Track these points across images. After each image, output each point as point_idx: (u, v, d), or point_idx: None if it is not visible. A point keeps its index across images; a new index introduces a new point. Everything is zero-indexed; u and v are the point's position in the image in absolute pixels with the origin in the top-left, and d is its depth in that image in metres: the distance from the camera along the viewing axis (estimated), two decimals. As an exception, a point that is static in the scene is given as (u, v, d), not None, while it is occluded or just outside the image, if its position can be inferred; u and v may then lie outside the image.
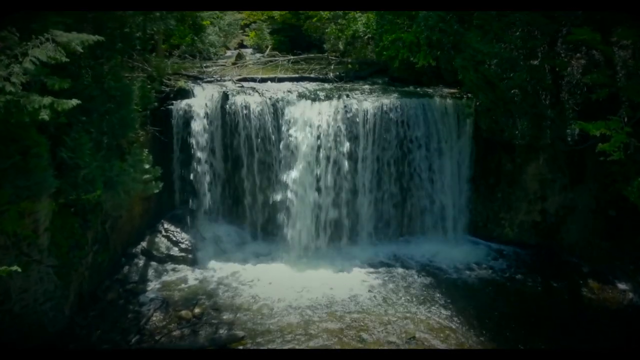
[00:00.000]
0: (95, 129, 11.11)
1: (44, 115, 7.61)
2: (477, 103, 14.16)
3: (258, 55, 24.13)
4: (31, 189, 8.85)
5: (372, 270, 13.94)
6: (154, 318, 11.63)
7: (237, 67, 18.77)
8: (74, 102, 8.06)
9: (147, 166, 11.99)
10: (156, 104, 13.87)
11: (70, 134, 10.21)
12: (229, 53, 25.75)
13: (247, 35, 28.81)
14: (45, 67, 7.98)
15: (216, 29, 23.29)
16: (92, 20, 11.26)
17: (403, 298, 12.72)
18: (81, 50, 8.40)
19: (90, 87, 10.89)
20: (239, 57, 20.96)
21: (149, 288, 12.81)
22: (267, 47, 25.21)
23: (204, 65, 19.12)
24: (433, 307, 12.33)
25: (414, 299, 12.68)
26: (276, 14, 24.39)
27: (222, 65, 19.76)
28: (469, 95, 14.68)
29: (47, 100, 7.66)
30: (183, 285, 13.02)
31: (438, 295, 12.86)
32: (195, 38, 19.53)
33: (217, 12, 22.46)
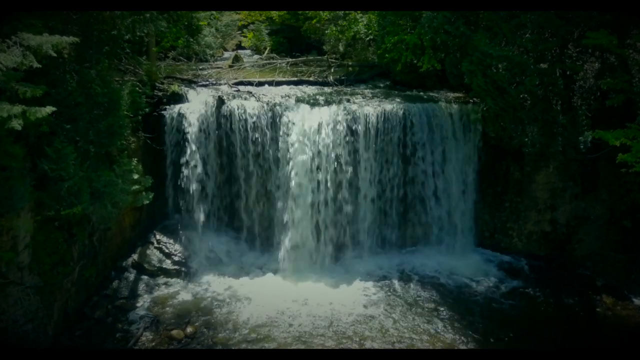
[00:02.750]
0: (81, 138, 10.48)
1: (16, 124, 6.92)
2: (485, 108, 13.49)
3: (256, 57, 23.53)
4: (4, 204, 8.18)
5: (374, 283, 13.26)
6: (144, 338, 10.93)
7: (234, 70, 18.12)
8: (49, 109, 7.38)
9: (136, 176, 11.35)
10: (147, 109, 13.19)
11: (52, 144, 9.55)
12: (226, 54, 25.14)
13: (245, 37, 28.18)
14: (17, 72, 7.29)
15: (213, 30, 22.67)
16: (77, 21, 10.65)
17: (406, 314, 12.04)
18: (54, 54, 7.70)
19: (75, 93, 10.25)
20: (236, 59, 20.29)
21: (139, 304, 12.12)
22: (265, 48, 24.59)
23: (200, 67, 18.49)
24: (438, 325, 11.64)
25: (418, 316, 12.00)
26: (275, 14, 23.73)
27: (218, 67, 19.11)
28: (476, 100, 14.02)
29: (17, 109, 6.98)
30: (175, 301, 12.33)
31: (443, 311, 12.18)
32: (191, 40, 18.82)
33: (214, 12, 21.84)
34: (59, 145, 9.56)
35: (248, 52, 27.23)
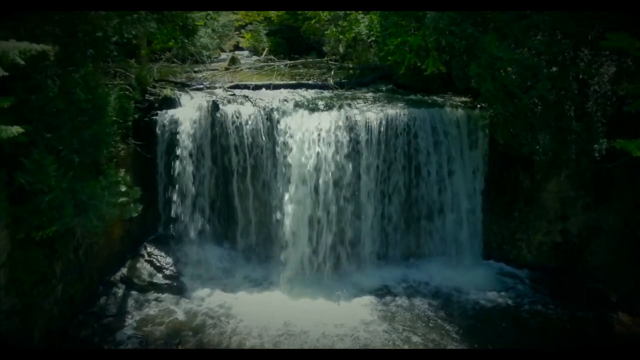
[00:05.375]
0: (64, 147, 9.79)
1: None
2: (493, 114, 12.77)
3: (253, 58, 22.83)
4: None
5: (377, 299, 12.55)
6: (131, 361, 10.27)
7: (230, 72, 17.42)
8: (15, 130, 6.67)
9: (123, 188, 10.62)
10: (136, 116, 12.50)
11: (30, 155, 8.86)
12: (223, 55, 24.45)
13: (243, 37, 27.49)
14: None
15: (209, 30, 21.95)
16: (59, 22, 9.96)
17: (412, 333, 11.35)
18: (23, 63, 7.00)
19: (57, 99, 9.54)
20: (233, 61, 19.59)
21: (127, 323, 11.42)
22: (263, 49, 23.89)
23: (195, 70, 17.78)
24: (446, 345, 10.95)
25: (424, 334, 11.32)
26: (273, 14, 23.02)
27: (214, 69, 18.41)
28: (483, 104, 13.32)
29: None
30: (166, 319, 11.63)
31: (451, 330, 11.49)
32: (186, 41, 18.09)
33: (210, 12, 21.14)
34: (37, 156, 8.85)
35: (246, 52, 26.52)
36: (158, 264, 12.88)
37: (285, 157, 12.91)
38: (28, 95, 9.18)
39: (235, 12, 25.09)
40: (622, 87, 10.62)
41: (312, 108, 13.29)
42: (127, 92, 12.46)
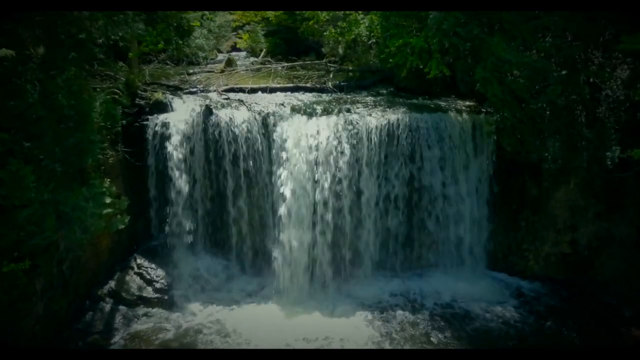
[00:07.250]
0: (46, 156, 9.19)
1: None
2: (499, 119, 12.17)
3: (251, 59, 22.25)
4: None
5: (378, 314, 11.96)
6: (117, 383, 9.70)
7: (225, 75, 16.82)
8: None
9: (109, 200, 10.01)
10: (124, 121, 11.91)
11: (6, 166, 8.27)
12: (220, 57, 23.89)
13: (241, 38, 26.91)
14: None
15: (205, 31, 21.37)
16: (41, 24, 9.37)
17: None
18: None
19: (37, 105, 8.95)
20: (229, 63, 19.00)
21: (114, 340, 10.83)
22: (261, 50, 23.32)
23: (189, 72, 17.20)
24: (451, 365, 10.37)
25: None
26: (271, 15, 22.43)
27: (208, 72, 17.82)
28: (488, 109, 12.72)
29: None
30: (155, 336, 11.04)
31: (455, 347, 10.90)
32: (180, 42, 17.49)
33: (206, 12, 20.56)
34: (14, 167, 8.26)
35: (243, 54, 25.98)
36: (148, 277, 12.28)
37: (281, 164, 12.32)
38: (6, 102, 8.60)
39: (232, 12, 24.54)
40: (637, 92, 10.03)
41: (310, 113, 12.71)
42: (115, 97, 11.89)
